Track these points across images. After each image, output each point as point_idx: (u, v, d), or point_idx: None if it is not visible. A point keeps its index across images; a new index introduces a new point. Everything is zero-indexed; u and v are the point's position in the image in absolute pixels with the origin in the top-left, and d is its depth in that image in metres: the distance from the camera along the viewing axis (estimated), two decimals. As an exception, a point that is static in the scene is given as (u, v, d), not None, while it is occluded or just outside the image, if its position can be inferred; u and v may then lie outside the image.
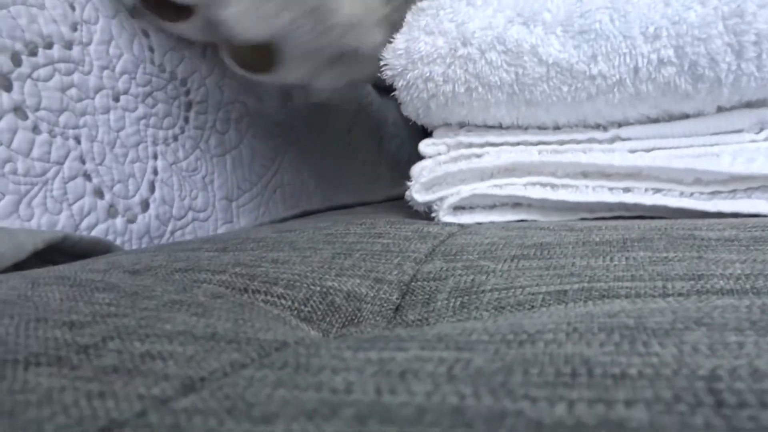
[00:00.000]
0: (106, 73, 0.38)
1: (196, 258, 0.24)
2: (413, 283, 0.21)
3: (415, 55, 0.32)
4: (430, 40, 0.31)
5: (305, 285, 0.20)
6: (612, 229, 0.25)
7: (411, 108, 0.34)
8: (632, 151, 0.32)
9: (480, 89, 0.31)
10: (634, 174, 0.31)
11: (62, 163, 0.35)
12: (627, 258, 0.20)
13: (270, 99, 0.50)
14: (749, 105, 0.31)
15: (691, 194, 0.30)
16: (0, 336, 0.13)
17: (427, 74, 0.32)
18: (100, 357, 0.12)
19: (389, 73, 0.33)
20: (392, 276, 0.21)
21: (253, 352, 0.13)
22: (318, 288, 0.20)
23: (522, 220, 0.32)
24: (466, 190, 0.32)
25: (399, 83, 0.33)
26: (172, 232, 0.42)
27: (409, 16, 0.33)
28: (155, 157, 0.41)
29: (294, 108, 0.53)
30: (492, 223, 0.31)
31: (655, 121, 0.32)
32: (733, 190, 0.30)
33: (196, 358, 0.12)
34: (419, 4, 0.34)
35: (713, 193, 0.30)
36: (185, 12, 0.39)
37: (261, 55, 0.41)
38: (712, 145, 0.31)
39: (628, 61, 0.29)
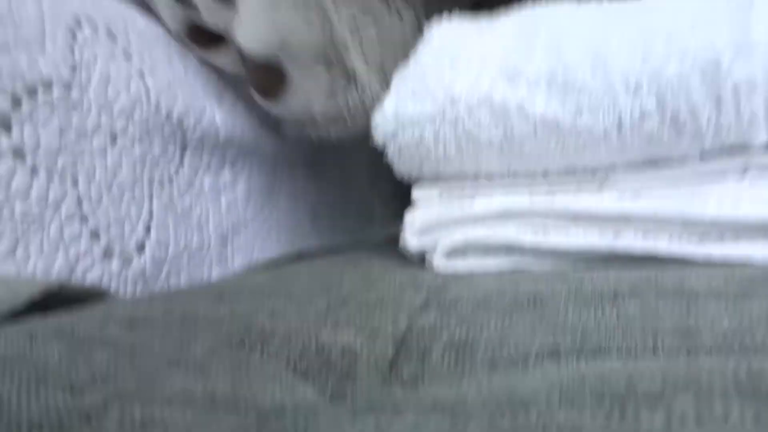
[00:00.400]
0: (104, 114, 0.39)
1: (193, 308, 0.24)
2: (408, 336, 0.21)
3: (404, 118, 0.33)
4: (418, 103, 0.32)
5: (301, 340, 0.20)
6: (603, 279, 0.25)
7: (403, 168, 0.35)
8: (621, 196, 0.32)
9: (470, 147, 0.32)
10: (624, 219, 0.32)
11: (59, 206, 0.36)
12: (618, 311, 0.21)
13: (266, 137, 0.51)
14: (731, 148, 0.32)
15: (680, 239, 0.31)
16: (2, 399, 0.13)
17: (418, 136, 0.33)
18: (101, 425, 0.12)
19: (381, 137, 0.34)
20: (387, 329, 0.22)
21: (252, 418, 0.13)
22: (314, 343, 0.20)
23: (515, 267, 0.32)
24: (459, 236, 0.32)
25: (390, 146, 0.34)
26: (167, 274, 0.42)
27: (395, 80, 0.35)
28: (151, 198, 0.41)
29: (290, 146, 0.54)
30: (485, 270, 0.32)
31: (642, 166, 0.33)
32: (722, 236, 0.31)
33: (196, 426, 0.12)
34: (404, 69, 0.35)
35: (702, 239, 0.31)
36: (222, 42, 0.41)
37: (272, 78, 0.44)
38: (698, 189, 0.32)
39: (612, 114, 0.30)
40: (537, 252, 0.32)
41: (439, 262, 0.32)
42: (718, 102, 0.29)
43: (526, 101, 0.31)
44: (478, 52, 0.32)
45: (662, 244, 0.30)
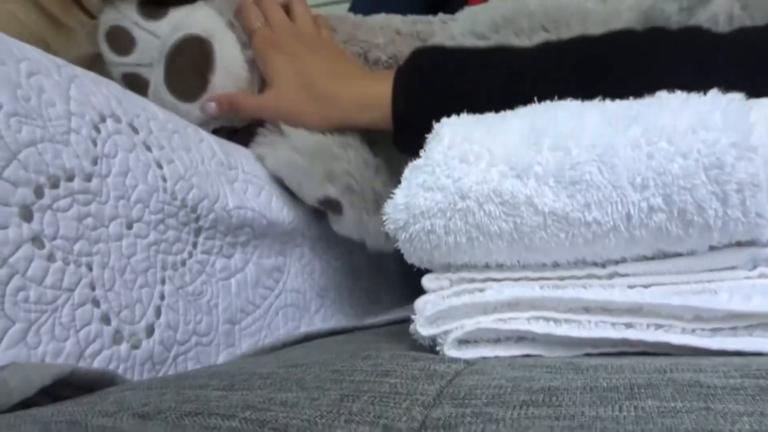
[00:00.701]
0: (121, 202, 0.40)
1: (205, 398, 0.24)
2: (422, 431, 0.21)
3: (415, 209, 0.34)
4: (429, 196, 0.33)
5: (315, 433, 0.20)
6: (618, 371, 0.25)
7: (414, 258, 0.35)
8: (631, 287, 0.32)
9: (481, 239, 0.33)
10: (635, 309, 0.32)
11: (73, 290, 0.36)
12: (635, 408, 0.20)
13: (276, 220, 0.52)
14: (739, 244, 0.32)
15: (693, 330, 0.31)
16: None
17: (429, 227, 0.33)
18: None
19: (391, 227, 0.35)
20: (401, 423, 0.21)
21: None
22: (328, 437, 0.20)
23: (527, 355, 0.32)
24: (470, 324, 0.32)
25: (402, 236, 0.35)
26: (175, 358, 0.42)
27: (406, 173, 0.36)
28: (163, 282, 0.42)
29: (299, 228, 0.55)
30: (497, 358, 0.31)
31: (651, 258, 0.33)
32: (734, 327, 0.31)
33: None
34: (415, 162, 0.36)
35: (714, 330, 0.31)
36: None
37: (331, 205, 0.52)
38: (708, 281, 0.32)
39: (620, 208, 0.31)
40: (549, 341, 0.32)
41: (450, 350, 0.32)
42: (724, 199, 0.30)
43: (535, 195, 0.31)
44: (486, 148, 0.34)
45: (675, 336, 0.30)
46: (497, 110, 0.38)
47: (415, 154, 0.37)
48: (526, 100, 0.37)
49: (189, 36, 0.55)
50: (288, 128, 0.56)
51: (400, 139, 0.53)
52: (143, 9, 0.56)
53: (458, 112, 0.38)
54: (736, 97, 0.32)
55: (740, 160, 0.30)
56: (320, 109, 0.55)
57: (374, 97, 0.54)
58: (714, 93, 0.33)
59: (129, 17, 0.56)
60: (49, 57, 0.39)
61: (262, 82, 0.59)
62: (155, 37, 0.56)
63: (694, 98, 0.33)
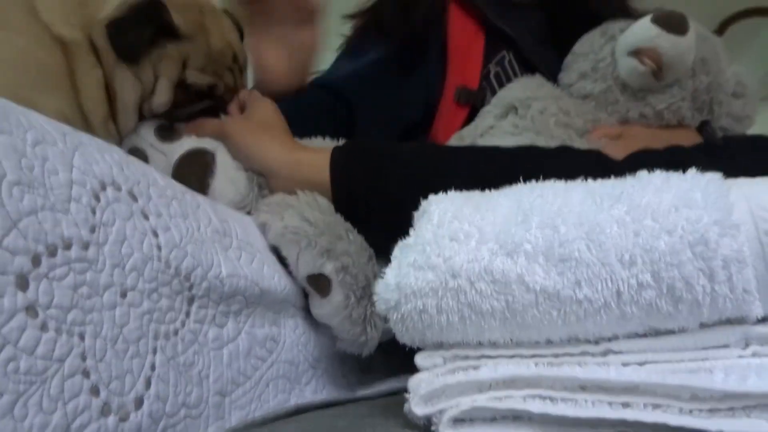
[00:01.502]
0: (116, 271, 0.40)
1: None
2: None
3: (407, 289, 0.34)
4: (420, 275, 0.34)
5: None
6: (616, 457, 0.25)
7: (407, 337, 0.35)
8: (625, 365, 0.33)
9: (473, 317, 0.33)
10: (632, 388, 0.32)
11: (63, 360, 0.35)
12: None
13: (269, 288, 0.52)
14: (730, 321, 0.33)
15: (690, 411, 0.31)
16: None
17: (421, 307, 0.33)
18: None
19: (382, 306, 0.35)
20: None
21: None
22: None
23: (523, 435, 0.32)
24: (465, 403, 0.32)
25: (393, 316, 0.35)
26: (164, 430, 0.41)
27: (396, 252, 0.36)
28: (154, 352, 0.41)
29: (292, 297, 0.55)
30: (494, 439, 0.31)
31: (644, 335, 0.33)
32: (731, 408, 0.31)
33: None
34: (405, 240, 0.36)
35: (712, 411, 0.31)
36: None
37: (320, 284, 0.54)
38: (702, 360, 0.32)
39: (610, 285, 0.31)
40: (545, 420, 0.32)
41: (446, 430, 0.32)
42: (711, 275, 0.30)
43: (526, 273, 0.32)
44: (476, 226, 0.34)
45: (673, 417, 0.30)
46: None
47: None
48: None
49: (195, 149, 0.62)
50: (298, 200, 0.57)
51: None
52: (160, 133, 0.62)
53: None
54: (715, 177, 0.33)
55: (723, 236, 0.30)
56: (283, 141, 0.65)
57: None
58: (693, 172, 0.34)
59: (146, 140, 0.62)
60: (55, 125, 0.39)
61: (259, 188, 0.63)
62: (164, 156, 0.62)
63: (675, 177, 0.34)
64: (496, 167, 0.59)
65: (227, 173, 0.62)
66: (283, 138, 0.67)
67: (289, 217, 0.55)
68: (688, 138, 0.83)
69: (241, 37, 0.70)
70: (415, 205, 0.52)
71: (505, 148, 0.63)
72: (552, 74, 0.90)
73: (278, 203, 0.57)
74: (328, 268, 0.53)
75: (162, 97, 0.61)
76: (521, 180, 0.38)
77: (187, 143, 0.63)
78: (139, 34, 0.57)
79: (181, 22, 0.60)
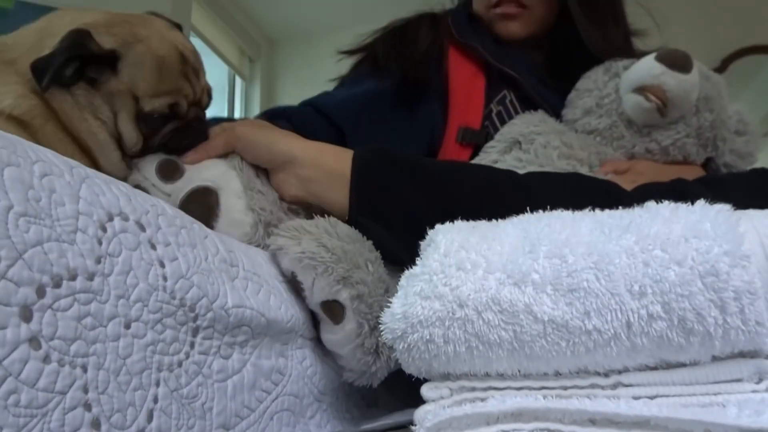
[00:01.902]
0: (121, 301, 0.40)
1: None
2: None
3: (413, 319, 0.34)
4: (426, 304, 0.33)
5: None
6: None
7: (413, 367, 0.35)
8: (636, 398, 0.32)
9: (480, 347, 0.32)
10: (642, 423, 0.31)
11: (65, 393, 0.35)
12: None
13: (275, 319, 0.51)
14: (742, 354, 0.32)
15: (703, 446, 0.30)
16: None
17: (428, 336, 0.33)
18: None
19: (389, 336, 0.35)
20: None
21: None
22: None
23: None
24: (473, 437, 0.31)
25: (400, 346, 0.34)
26: (164, 466, 0.40)
27: (402, 281, 0.36)
28: (158, 384, 0.41)
29: (297, 328, 0.54)
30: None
31: (654, 367, 0.33)
32: (745, 445, 0.30)
33: None
34: (412, 270, 0.36)
35: (725, 447, 0.30)
36: None
37: (334, 311, 0.54)
38: (715, 394, 0.31)
39: (620, 316, 0.31)
40: (554, 455, 0.31)
41: (453, 464, 0.31)
42: (723, 307, 0.30)
43: (534, 303, 0.32)
44: (483, 255, 0.34)
45: (685, 452, 0.29)
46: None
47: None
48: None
49: (198, 188, 0.61)
50: (316, 226, 0.57)
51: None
52: (162, 170, 0.62)
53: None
54: (724, 208, 0.33)
55: (734, 267, 0.30)
56: (284, 136, 0.65)
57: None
58: (701, 204, 0.34)
59: (149, 179, 0.62)
60: (63, 159, 0.40)
61: (265, 226, 0.63)
62: (168, 196, 0.62)
63: (683, 208, 0.34)
64: (515, 188, 0.60)
65: (231, 215, 0.62)
66: (291, 133, 0.66)
67: (306, 243, 0.55)
68: (694, 174, 0.84)
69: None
70: (429, 215, 0.52)
71: (528, 173, 0.64)
72: (554, 111, 0.91)
73: (296, 228, 0.57)
74: (343, 295, 0.53)
75: (128, 135, 0.59)
76: (532, 202, 0.39)
77: (189, 180, 0.62)
78: (60, 66, 0.54)
79: (110, 42, 0.56)
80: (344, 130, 0.88)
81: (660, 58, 0.78)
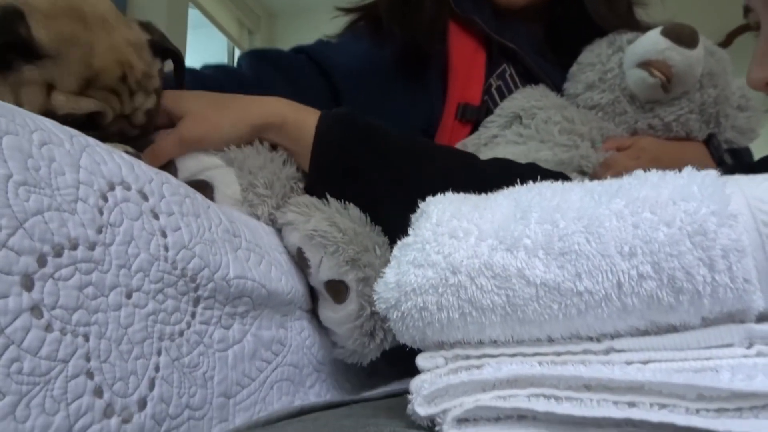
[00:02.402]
0: (122, 271, 0.40)
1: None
2: None
3: (407, 287, 0.34)
4: (420, 272, 0.34)
5: None
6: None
7: (407, 336, 0.35)
8: (629, 363, 0.32)
9: (474, 313, 0.33)
10: (637, 388, 0.31)
11: (68, 361, 0.35)
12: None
13: (276, 290, 0.52)
14: (731, 317, 0.32)
15: (697, 411, 0.30)
16: None
17: (421, 304, 0.33)
18: None
19: (383, 305, 0.35)
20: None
21: None
22: None
23: (528, 435, 0.31)
24: (468, 402, 0.32)
25: (393, 315, 0.35)
26: (167, 432, 0.41)
27: (395, 251, 0.36)
28: (159, 353, 0.41)
29: (298, 299, 0.55)
30: (498, 438, 0.31)
31: (645, 332, 0.33)
32: (739, 408, 0.30)
33: None
34: (404, 240, 0.36)
35: (719, 411, 0.30)
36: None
37: (338, 291, 0.54)
38: (707, 359, 0.32)
39: (611, 277, 0.31)
40: (550, 420, 0.32)
41: (450, 430, 0.32)
42: (711, 265, 0.30)
43: (526, 267, 0.32)
44: (475, 224, 0.34)
45: (680, 416, 0.29)
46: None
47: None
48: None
49: (192, 181, 0.58)
50: (328, 205, 0.57)
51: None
52: None
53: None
54: (711, 172, 0.33)
55: (722, 226, 0.30)
56: (231, 114, 0.59)
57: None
58: (689, 169, 0.34)
59: None
60: (62, 128, 0.40)
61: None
62: None
63: (670, 174, 0.34)
64: (472, 171, 0.59)
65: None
66: (239, 99, 0.62)
67: (317, 221, 0.54)
68: (696, 150, 0.83)
69: (171, 56, 0.60)
70: (386, 193, 0.50)
71: (486, 160, 0.63)
72: (554, 85, 0.89)
73: (307, 204, 0.56)
74: (350, 277, 0.53)
75: None
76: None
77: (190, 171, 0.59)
78: None
79: (42, 35, 0.47)
80: (341, 91, 0.85)
81: (666, 33, 0.77)
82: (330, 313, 0.55)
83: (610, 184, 0.35)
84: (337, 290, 0.54)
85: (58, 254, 0.36)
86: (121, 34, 0.53)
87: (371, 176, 0.58)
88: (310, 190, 0.60)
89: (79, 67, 0.49)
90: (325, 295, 0.55)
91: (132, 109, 0.54)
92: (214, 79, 0.78)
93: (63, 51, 0.49)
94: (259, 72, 0.82)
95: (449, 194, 0.39)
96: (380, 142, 0.59)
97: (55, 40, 0.48)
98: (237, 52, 3.33)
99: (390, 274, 0.35)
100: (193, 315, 0.45)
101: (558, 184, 0.36)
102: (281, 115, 0.59)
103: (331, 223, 0.54)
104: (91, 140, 0.41)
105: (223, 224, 0.49)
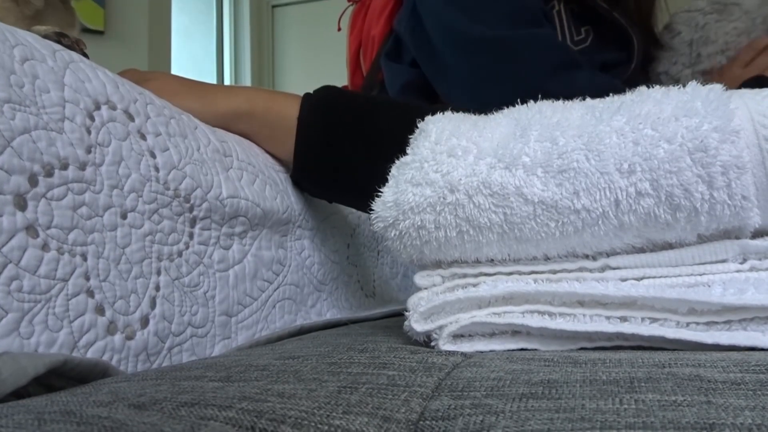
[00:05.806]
0: (115, 192, 0.39)
1: (201, 389, 0.24)
2: (421, 423, 0.21)
3: (404, 206, 0.33)
4: (417, 191, 0.33)
5: (313, 424, 0.20)
6: (617, 365, 0.25)
7: (405, 255, 0.35)
8: (623, 280, 0.33)
9: (471, 232, 0.32)
10: (629, 303, 0.32)
11: (67, 280, 0.36)
12: (636, 401, 0.20)
13: (273, 210, 0.52)
14: (727, 234, 0.32)
15: (687, 324, 0.31)
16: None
17: (419, 223, 0.33)
18: None
19: (380, 224, 0.35)
20: (400, 414, 0.21)
21: None
22: (326, 428, 0.20)
23: (523, 349, 0.32)
24: (464, 319, 0.32)
25: (391, 233, 0.34)
26: (170, 349, 0.41)
27: (393, 171, 0.35)
28: (159, 272, 0.42)
29: (298, 220, 0.55)
30: (494, 352, 0.31)
31: (641, 250, 0.33)
32: (728, 321, 0.31)
33: None
34: (402, 159, 0.36)
35: (709, 324, 0.31)
36: None
37: None
38: (701, 275, 0.32)
39: (609, 194, 0.31)
40: (544, 335, 0.32)
41: (445, 344, 0.32)
42: (710, 182, 0.30)
43: (524, 185, 0.31)
44: (473, 142, 0.34)
45: (670, 330, 0.30)
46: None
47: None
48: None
49: None
50: None
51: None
52: None
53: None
54: (716, 87, 0.32)
55: (723, 143, 0.30)
56: (197, 102, 0.56)
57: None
58: (693, 84, 0.33)
59: None
60: (44, 42, 0.38)
61: None
62: None
63: (674, 90, 0.33)
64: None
65: None
66: (215, 86, 0.59)
67: None
68: None
69: None
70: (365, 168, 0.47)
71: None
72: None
73: None
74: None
75: None
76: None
77: None
78: None
79: None
80: None
81: None
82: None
83: (612, 101, 0.34)
84: None
85: (49, 174, 0.35)
86: None
87: (357, 160, 0.55)
88: (295, 179, 0.57)
89: None
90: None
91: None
92: None
93: None
94: None
95: (448, 113, 0.38)
96: (366, 118, 0.56)
97: None
98: (226, 3, 3.20)
99: (388, 192, 0.34)
100: (191, 235, 0.44)
101: (559, 103, 0.35)
102: (250, 103, 0.57)
103: None
104: (75, 56, 0.40)
105: (213, 144, 0.48)
